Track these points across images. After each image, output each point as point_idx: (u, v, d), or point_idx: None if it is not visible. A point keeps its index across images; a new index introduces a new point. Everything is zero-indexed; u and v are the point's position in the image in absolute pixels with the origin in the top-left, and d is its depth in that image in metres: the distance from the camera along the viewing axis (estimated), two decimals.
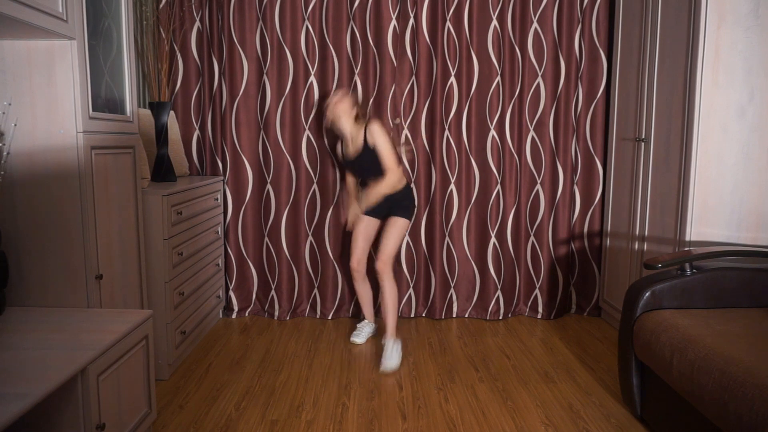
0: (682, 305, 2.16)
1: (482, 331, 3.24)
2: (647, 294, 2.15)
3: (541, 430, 2.15)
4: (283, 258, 3.40)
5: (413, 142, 3.32)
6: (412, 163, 3.34)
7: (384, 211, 2.94)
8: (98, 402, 1.60)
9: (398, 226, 2.86)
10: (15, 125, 1.86)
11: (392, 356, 2.71)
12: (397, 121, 3.22)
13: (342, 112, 2.87)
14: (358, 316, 3.45)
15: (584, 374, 2.65)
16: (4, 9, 1.50)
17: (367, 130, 2.80)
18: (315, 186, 3.37)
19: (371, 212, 2.95)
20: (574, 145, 3.40)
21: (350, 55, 3.28)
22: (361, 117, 2.99)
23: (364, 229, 2.96)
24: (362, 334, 3.06)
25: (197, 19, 3.28)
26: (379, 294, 3.39)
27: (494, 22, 3.25)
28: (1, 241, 1.86)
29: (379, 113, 3.29)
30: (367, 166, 2.84)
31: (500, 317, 3.42)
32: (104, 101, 2.06)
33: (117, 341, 1.70)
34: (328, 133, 3.28)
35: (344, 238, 3.39)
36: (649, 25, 2.85)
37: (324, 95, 3.28)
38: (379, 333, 3.18)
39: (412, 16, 3.25)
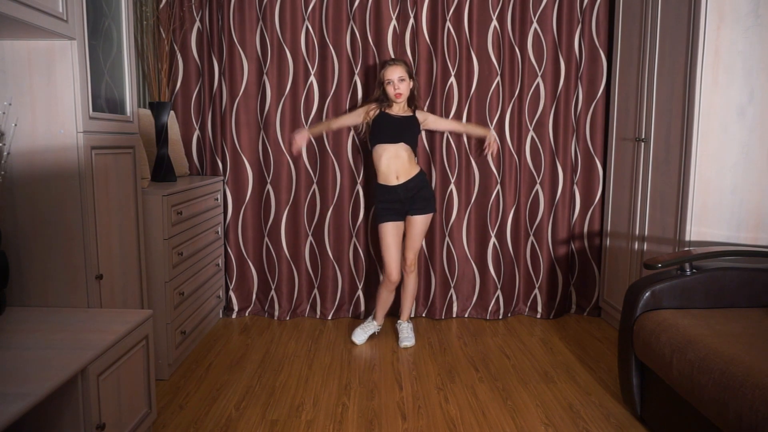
0: (682, 305, 2.16)
1: (482, 331, 3.24)
2: (647, 294, 2.15)
3: (541, 430, 2.15)
4: (283, 258, 3.40)
5: None
6: None
7: (407, 208, 2.93)
8: (98, 402, 1.60)
9: (423, 225, 2.96)
10: (15, 125, 1.86)
11: (411, 335, 3.02)
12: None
13: (407, 93, 2.91)
14: (358, 316, 3.45)
15: (584, 374, 2.65)
16: (4, 9, 1.50)
17: (418, 111, 2.99)
18: (315, 186, 3.37)
19: (396, 215, 2.93)
20: (573, 145, 3.40)
21: (350, 55, 3.28)
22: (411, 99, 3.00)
23: (395, 236, 2.94)
24: (365, 334, 3.04)
25: (197, 19, 3.28)
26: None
27: (494, 22, 3.25)
28: (1, 241, 1.86)
29: None
30: (402, 129, 2.90)
31: (500, 317, 3.42)
32: (104, 101, 2.06)
33: (117, 341, 1.70)
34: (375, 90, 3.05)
35: (345, 239, 3.39)
36: (649, 25, 2.85)
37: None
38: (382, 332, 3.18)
39: (412, 16, 3.25)
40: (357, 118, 3.01)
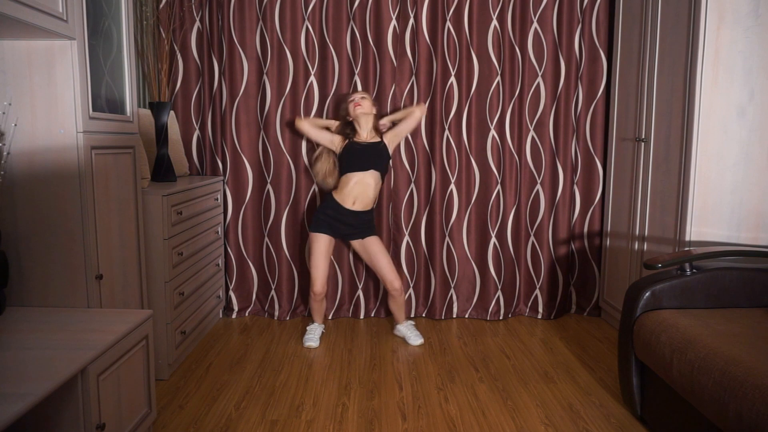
0: (682, 305, 2.16)
1: (482, 331, 3.24)
2: (647, 294, 2.15)
3: (541, 430, 2.15)
4: (283, 258, 3.40)
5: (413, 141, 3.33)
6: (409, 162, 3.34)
7: (347, 233, 2.98)
8: (98, 402, 1.60)
9: (379, 243, 3.01)
10: (15, 125, 1.86)
11: (416, 332, 3.05)
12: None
13: (370, 109, 2.98)
14: (358, 316, 3.45)
15: (584, 374, 2.65)
16: (4, 9, 1.50)
17: (384, 135, 3.02)
18: (315, 186, 3.37)
19: (333, 232, 2.95)
20: (574, 145, 3.40)
21: (350, 55, 3.28)
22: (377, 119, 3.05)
23: (326, 250, 2.97)
24: (316, 337, 3.02)
25: (197, 19, 3.28)
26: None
27: (494, 22, 3.25)
28: (1, 241, 1.86)
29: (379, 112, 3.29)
30: (370, 157, 2.94)
31: (500, 317, 3.42)
32: (104, 101, 2.06)
33: (117, 341, 1.70)
34: (341, 120, 3.11)
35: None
36: (649, 25, 2.85)
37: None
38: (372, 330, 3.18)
39: (412, 16, 3.25)
40: (330, 143, 3.04)
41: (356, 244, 3.03)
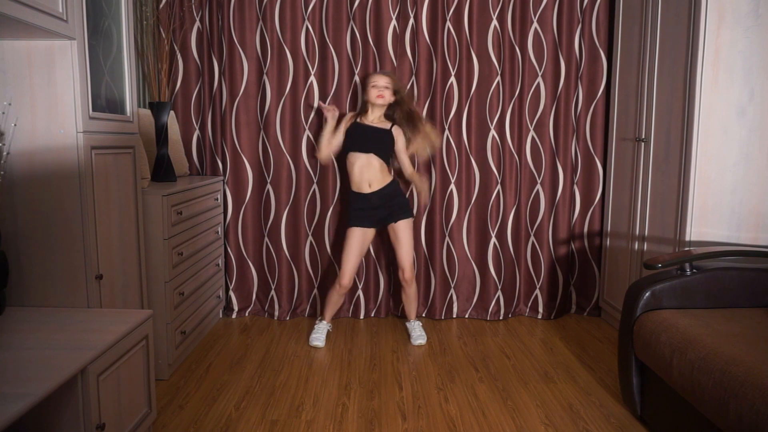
0: (682, 305, 2.16)
1: (482, 331, 3.24)
2: (647, 294, 2.15)
3: (541, 430, 2.15)
4: (283, 258, 3.40)
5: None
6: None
7: (382, 215, 2.96)
8: (98, 402, 1.60)
9: (408, 229, 2.98)
10: (15, 125, 1.86)
11: (423, 333, 3.06)
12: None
13: (389, 100, 2.97)
14: (358, 316, 3.45)
15: (584, 374, 2.65)
16: (4, 9, 1.50)
17: (395, 127, 3.00)
18: (315, 186, 3.37)
19: (368, 222, 2.95)
20: (574, 145, 3.40)
21: (350, 55, 3.28)
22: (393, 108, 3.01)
23: (362, 243, 2.97)
24: (323, 337, 3.01)
25: (197, 19, 3.28)
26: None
27: (494, 22, 3.25)
28: (1, 241, 1.86)
29: None
30: (372, 140, 2.94)
31: (500, 317, 3.42)
32: (104, 101, 2.06)
33: (117, 341, 1.70)
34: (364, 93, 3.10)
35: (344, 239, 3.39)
36: (649, 25, 2.85)
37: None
38: (377, 328, 3.18)
39: (412, 16, 3.25)
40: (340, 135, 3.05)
41: (390, 230, 3.00)
